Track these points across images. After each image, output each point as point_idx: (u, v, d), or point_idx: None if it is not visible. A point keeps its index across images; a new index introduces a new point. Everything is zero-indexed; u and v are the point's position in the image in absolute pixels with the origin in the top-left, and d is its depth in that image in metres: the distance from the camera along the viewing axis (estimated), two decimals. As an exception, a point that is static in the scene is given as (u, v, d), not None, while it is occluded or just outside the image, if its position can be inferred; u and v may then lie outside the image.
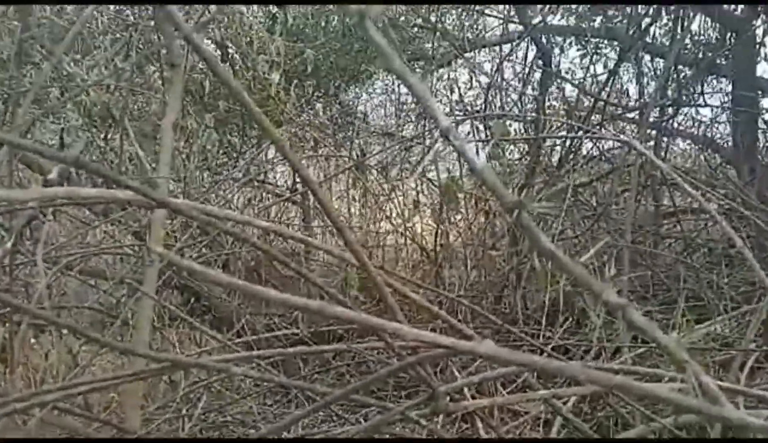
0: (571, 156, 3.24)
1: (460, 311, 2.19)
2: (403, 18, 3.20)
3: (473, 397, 1.17)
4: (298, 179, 3.85)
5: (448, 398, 0.98)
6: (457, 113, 3.54)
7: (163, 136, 1.31)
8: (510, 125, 3.11)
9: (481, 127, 3.17)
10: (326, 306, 0.58)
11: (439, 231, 2.95)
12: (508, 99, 3.49)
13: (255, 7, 2.52)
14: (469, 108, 3.60)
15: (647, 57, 3.32)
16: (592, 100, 3.09)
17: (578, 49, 3.41)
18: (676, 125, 3.33)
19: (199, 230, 2.38)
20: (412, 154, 3.63)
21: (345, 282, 1.69)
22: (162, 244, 1.12)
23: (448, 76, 3.52)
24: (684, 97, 3.11)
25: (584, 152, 3.41)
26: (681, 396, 0.58)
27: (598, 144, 3.31)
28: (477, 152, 3.95)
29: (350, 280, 1.60)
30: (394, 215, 3.23)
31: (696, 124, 3.48)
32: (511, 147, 3.75)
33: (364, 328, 1.63)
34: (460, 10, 3.33)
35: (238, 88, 0.78)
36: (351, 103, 3.66)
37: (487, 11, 3.44)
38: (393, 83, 3.85)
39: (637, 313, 0.60)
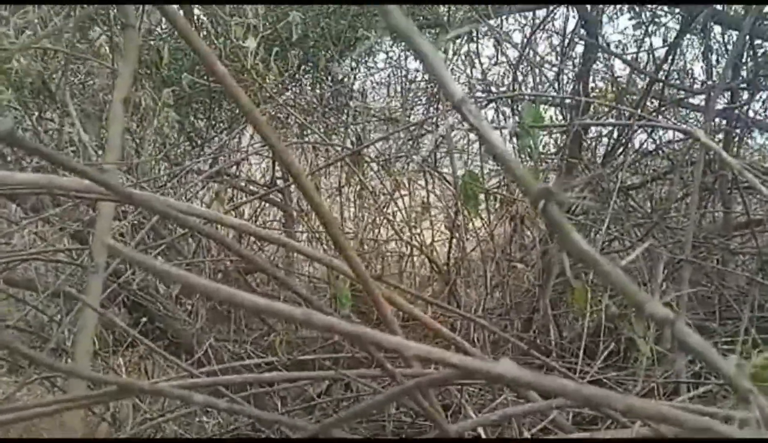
0: (621, 150, 3.28)
1: (479, 339, 2.22)
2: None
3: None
4: (278, 174, 3.90)
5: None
6: (478, 93, 3.58)
7: (112, 114, 1.34)
8: (544, 111, 3.13)
9: (509, 111, 3.20)
10: (314, 314, 0.61)
11: (454, 240, 2.97)
12: (543, 78, 3.52)
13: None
14: (493, 88, 3.64)
15: (717, 28, 3.36)
16: (648, 80, 3.12)
17: (631, 18, 3.44)
18: (751, 113, 3.36)
19: (153, 234, 2.40)
20: (421, 144, 3.66)
21: (334, 299, 1.72)
22: (109, 245, 1.14)
23: (468, 48, 3.56)
24: (762, 79, 3.14)
25: (636, 145, 3.45)
26: (745, 433, 0.61)
27: (654, 135, 3.34)
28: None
29: (341, 296, 1.62)
30: (397, 219, 3.25)
31: (777, 112, 3.51)
32: (546, 137, 3.79)
33: (358, 348, 1.67)
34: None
35: (209, 55, 0.81)
36: (346, 79, 3.70)
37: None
38: (399, 56, 3.89)
39: (690, 330, 0.63)
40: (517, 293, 2.92)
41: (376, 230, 3.46)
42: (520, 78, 3.42)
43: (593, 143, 3.71)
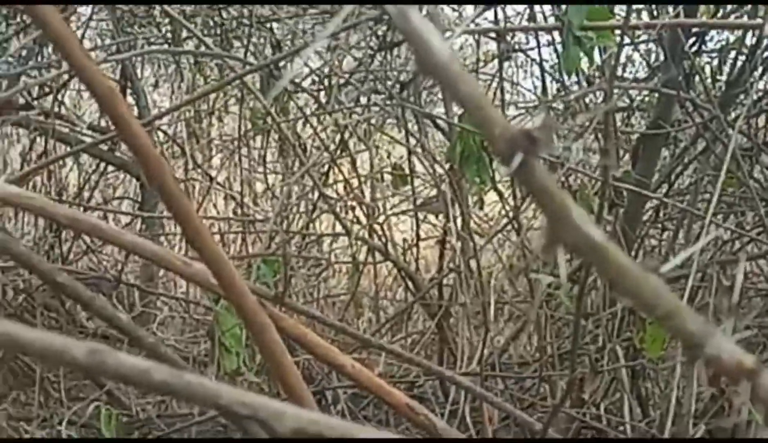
0: (756, 77, 3.28)
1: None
2: None
3: None
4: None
5: None
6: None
7: None
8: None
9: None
10: (110, 355, 0.61)
11: (449, 238, 2.93)
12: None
13: None
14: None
15: None
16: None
17: None
18: None
19: None
20: (395, 60, 3.63)
21: (213, 339, 1.69)
22: None
23: None
24: None
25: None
26: None
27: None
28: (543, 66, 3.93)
29: (225, 336, 1.62)
30: (348, 200, 3.20)
31: None
32: (627, 51, 3.78)
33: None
34: None
35: None
36: None
37: None
38: None
39: None
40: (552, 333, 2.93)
41: (306, 217, 3.44)
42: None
43: (711, 67, 3.71)
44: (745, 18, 3.30)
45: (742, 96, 3.22)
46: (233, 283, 1.07)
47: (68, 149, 3.90)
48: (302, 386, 1.15)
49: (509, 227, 3.14)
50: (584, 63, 2.51)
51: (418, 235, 3.55)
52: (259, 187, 3.99)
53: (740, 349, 0.60)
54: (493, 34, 3.25)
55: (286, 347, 1.19)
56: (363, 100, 3.23)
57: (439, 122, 3.24)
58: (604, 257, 0.60)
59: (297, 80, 3.47)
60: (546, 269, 2.82)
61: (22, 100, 3.83)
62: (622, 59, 3.91)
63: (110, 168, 4.47)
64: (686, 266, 2.55)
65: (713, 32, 3.60)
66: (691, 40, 3.35)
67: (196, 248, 1.02)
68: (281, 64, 3.34)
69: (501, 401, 1.82)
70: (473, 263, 2.69)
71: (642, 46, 3.80)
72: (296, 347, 1.85)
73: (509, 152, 0.58)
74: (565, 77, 3.34)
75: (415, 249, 3.57)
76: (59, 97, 3.96)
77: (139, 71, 4.49)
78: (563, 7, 2.36)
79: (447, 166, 2.93)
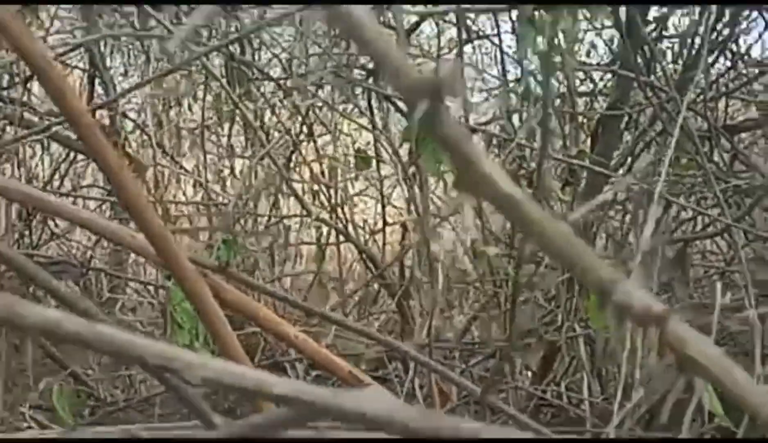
0: (713, 59, 3.29)
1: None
2: None
3: None
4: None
5: None
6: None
7: None
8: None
9: None
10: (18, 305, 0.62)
11: (410, 219, 2.95)
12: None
13: None
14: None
15: None
16: None
17: None
18: None
19: None
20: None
21: (164, 314, 1.71)
22: None
23: None
24: None
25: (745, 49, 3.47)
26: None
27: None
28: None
29: (176, 312, 1.62)
30: (309, 183, 3.22)
31: None
32: (590, 37, 3.77)
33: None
34: None
35: None
36: None
37: None
38: None
39: (696, 334, 0.64)
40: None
41: (272, 200, 3.44)
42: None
43: (672, 52, 3.73)
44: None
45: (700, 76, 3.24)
46: (174, 255, 1.07)
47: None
48: (242, 355, 1.15)
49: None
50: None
51: (384, 219, 3.57)
52: (227, 172, 4.01)
53: (650, 295, 0.60)
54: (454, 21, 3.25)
55: (233, 318, 1.20)
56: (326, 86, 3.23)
57: (401, 104, 3.25)
58: (513, 206, 0.60)
59: (263, 68, 3.45)
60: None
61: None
62: (586, 45, 3.93)
63: (80, 157, 4.46)
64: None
65: (675, 19, 3.61)
66: (651, 27, 3.36)
67: (133, 216, 1.01)
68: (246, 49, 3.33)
69: (442, 367, 1.81)
70: (431, 244, 2.71)
71: (606, 33, 3.81)
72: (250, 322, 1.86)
73: (415, 100, 0.58)
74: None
75: (381, 234, 3.58)
76: (28, 86, 3.96)
77: (108, 61, 4.48)
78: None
79: (406, 146, 2.93)
